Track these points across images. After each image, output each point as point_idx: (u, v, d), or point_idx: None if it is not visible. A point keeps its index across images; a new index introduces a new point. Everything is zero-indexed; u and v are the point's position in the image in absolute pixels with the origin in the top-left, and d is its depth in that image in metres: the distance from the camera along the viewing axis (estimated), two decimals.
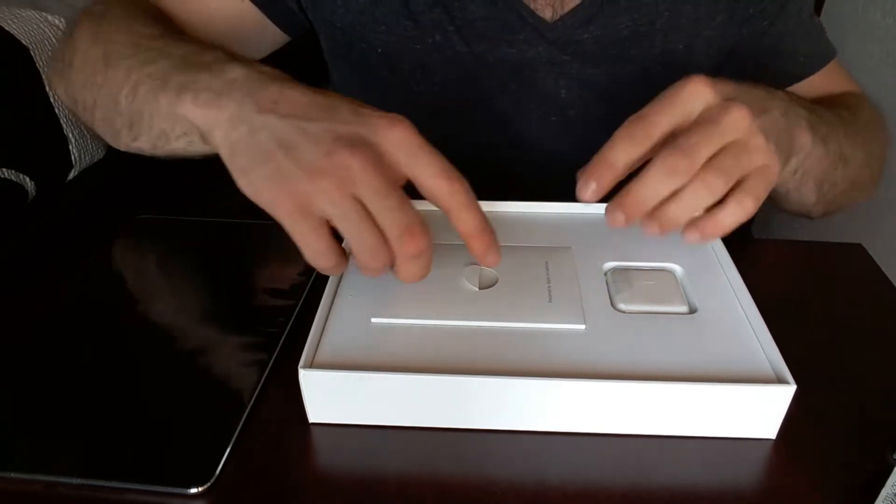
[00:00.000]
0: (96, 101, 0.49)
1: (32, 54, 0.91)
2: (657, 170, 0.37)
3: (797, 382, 0.37)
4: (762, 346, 0.41)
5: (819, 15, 1.25)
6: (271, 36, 0.62)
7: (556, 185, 0.51)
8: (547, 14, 0.59)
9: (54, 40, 0.97)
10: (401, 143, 0.35)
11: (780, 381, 0.38)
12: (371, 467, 0.37)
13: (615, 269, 0.47)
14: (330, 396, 0.39)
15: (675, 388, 0.37)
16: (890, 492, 0.33)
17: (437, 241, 0.38)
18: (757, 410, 0.38)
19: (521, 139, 0.64)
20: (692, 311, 0.44)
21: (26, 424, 0.39)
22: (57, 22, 0.99)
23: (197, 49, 0.43)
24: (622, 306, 0.44)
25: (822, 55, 0.65)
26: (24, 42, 0.92)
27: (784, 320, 0.43)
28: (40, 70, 0.87)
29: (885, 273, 0.54)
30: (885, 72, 1.05)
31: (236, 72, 0.39)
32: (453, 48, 0.59)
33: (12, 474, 0.36)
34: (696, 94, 0.39)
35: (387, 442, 0.39)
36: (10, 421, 0.39)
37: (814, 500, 0.36)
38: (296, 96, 0.37)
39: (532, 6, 0.58)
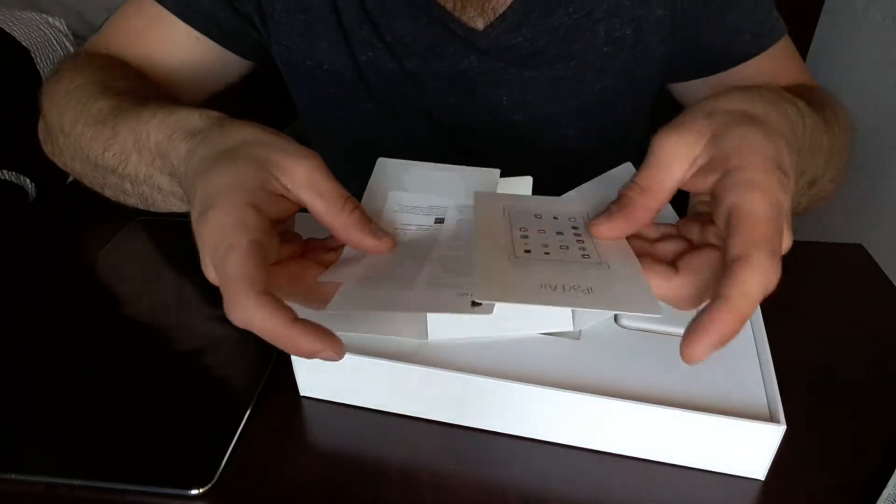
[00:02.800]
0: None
1: (33, 56, 0.92)
2: (732, 326, 0.29)
3: (797, 382, 0.37)
4: (763, 379, 0.39)
5: (819, 15, 1.25)
6: (235, 64, 0.62)
7: None
8: (479, 24, 0.57)
9: (55, 42, 0.97)
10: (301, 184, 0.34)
11: (773, 419, 0.36)
12: (371, 469, 0.38)
13: None
14: (320, 373, 0.40)
15: (655, 411, 0.36)
16: (891, 492, 0.33)
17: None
18: (744, 447, 0.36)
19: (471, 149, 0.62)
20: None
21: (27, 426, 0.39)
22: (58, 24, 0.99)
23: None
24: (625, 322, 0.43)
25: (769, 34, 0.59)
26: (24, 44, 0.92)
27: (784, 320, 0.43)
28: (41, 72, 0.88)
29: (886, 273, 0.54)
30: (886, 72, 1.05)
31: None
32: (385, 65, 0.58)
33: (13, 475, 0.36)
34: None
35: (387, 444, 0.39)
36: (10, 422, 0.39)
37: (818, 491, 0.36)
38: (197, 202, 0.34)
39: (462, 18, 0.56)
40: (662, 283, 0.33)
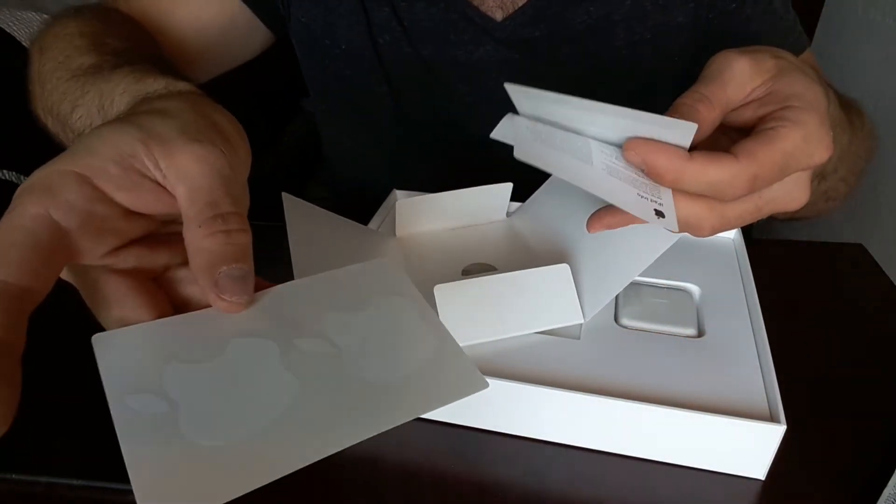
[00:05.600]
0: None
1: None
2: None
3: (797, 382, 0.37)
4: (764, 379, 0.39)
5: (819, 15, 1.26)
6: (260, 37, 0.62)
7: (522, 185, 0.51)
8: (497, 15, 0.57)
9: None
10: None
11: (773, 419, 0.36)
12: (371, 469, 0.38)
13: (629, 284, 0.47)
14: None
15: (655, 410, 0.36)
16: (891, 492, 0.33)
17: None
18: (744, 447, 0.36)
19: (480, 139, 0.62)
20: (700, 334, 0.43)
21: (27, 426, 0.39)
22: None
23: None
24: (625, 321, 0.43)
25: (791, 48, 0.59)
26: (24, 43, 0.92)
27: (784, 320, 0.43)
28: None
29: (886, 273, 0.54)
30: (886, 72, 1.05)
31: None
32: (401, 49, 0.59)
33: (13, 475, 0.36)
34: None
35: (387, 444, 0.39)
36: (12, 422, 0.39)
37: (818, 491, 0.36)
38: None
39: (482, 8, 0.57)
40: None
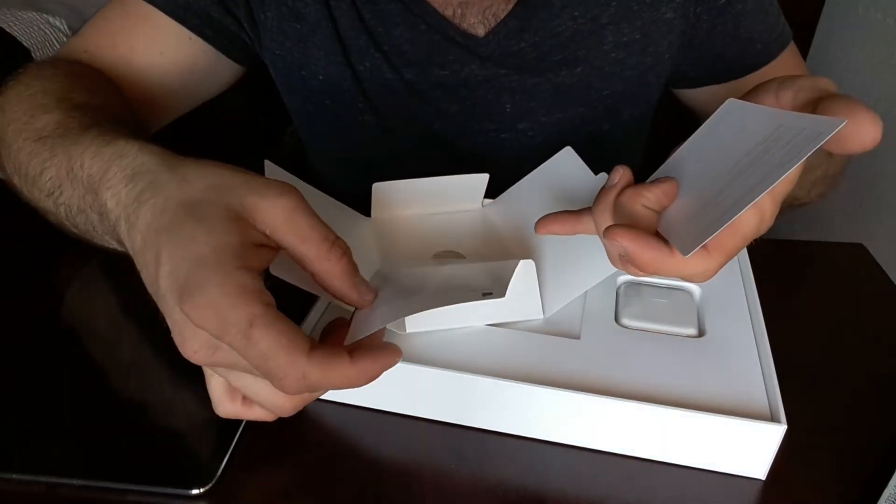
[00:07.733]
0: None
1: (34, 56, 0.91)
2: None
3: (797, 382, 0.37)
4: (764, 379, 0.39)
5: (819, 15, 1.25)
6: (229, 71, 0.60)
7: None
8: (479, 31, 0.56)
9: (55, 42, 0.97)
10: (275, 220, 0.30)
11: (773, 419, 0.36)
12: (371, 469, 0.38)
13: (629, 284, 0.46)
14: None
15: (655, 410, 0.36)
16: (892, 492, 0.33)
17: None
18: (744, 447, 0.36)
19: (475, 158, 0.62)
20: (700, 334, 0.43)
21: (28, 426, 0.40)
22: (58, 23, 0.99)
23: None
24: (625, 321, 0.43)
25: (778, 41, 0.59)
26: (25, 44, 0.92)
27: (784, 320, 0.43)
28: None
29: (886, 273, 0.54)
30: (886, 72, 1.05)
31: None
32: (382, 75, 0.57)
33: (14, 475, 0.36)
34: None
35: (387, 444, 0.39)
36: (12, 422, 0.39)
37: (818, 491, 0.36)
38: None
39: (463, 26, 0.55)
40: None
